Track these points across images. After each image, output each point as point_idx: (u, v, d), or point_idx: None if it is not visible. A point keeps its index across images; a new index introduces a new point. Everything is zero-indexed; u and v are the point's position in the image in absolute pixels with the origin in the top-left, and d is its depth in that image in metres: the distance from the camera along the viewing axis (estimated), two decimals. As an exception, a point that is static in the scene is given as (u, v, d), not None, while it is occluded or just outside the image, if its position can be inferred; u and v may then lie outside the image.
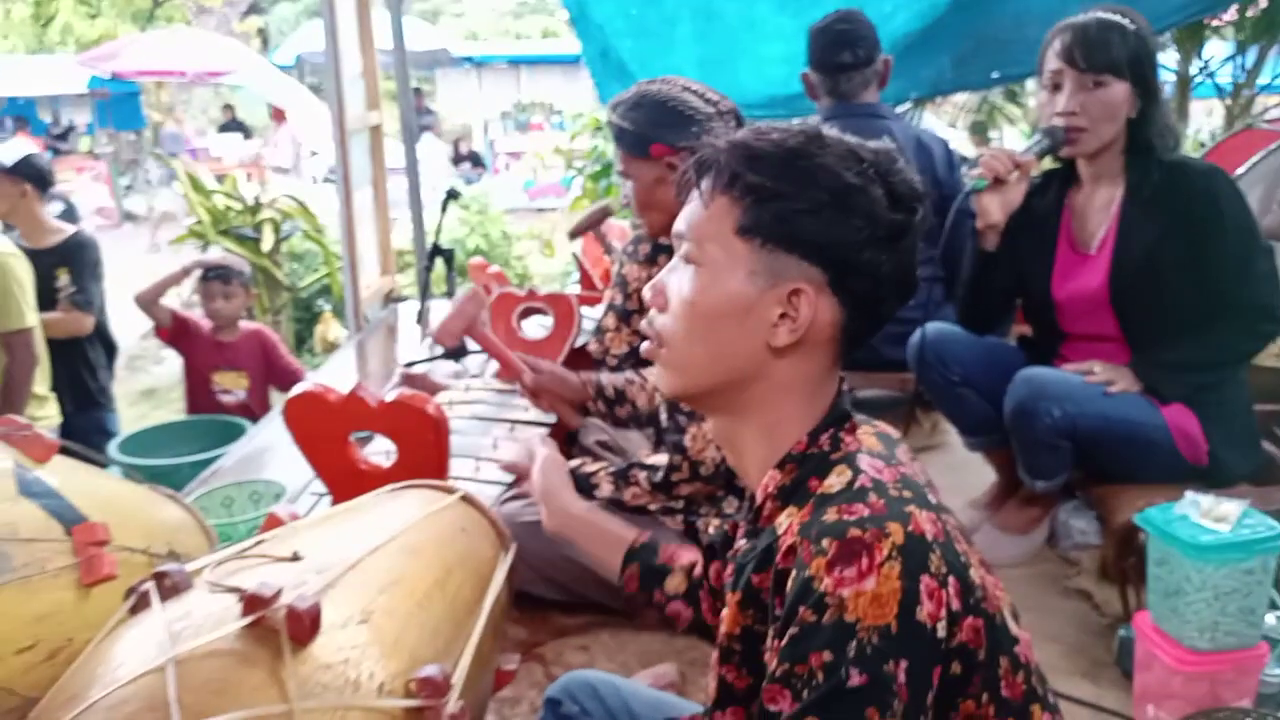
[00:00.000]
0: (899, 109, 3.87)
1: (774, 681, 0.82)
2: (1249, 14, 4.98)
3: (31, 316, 2.99)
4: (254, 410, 3.67)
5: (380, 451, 1.83)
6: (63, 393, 3.24)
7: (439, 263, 3.11)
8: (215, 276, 3.71)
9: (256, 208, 6.13)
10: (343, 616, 0.92)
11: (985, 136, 8.45)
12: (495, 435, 2.10)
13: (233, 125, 15.20)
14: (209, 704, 0.80)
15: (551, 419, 2.18)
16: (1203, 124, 7.97)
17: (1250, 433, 1.96)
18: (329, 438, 1.58)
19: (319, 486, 1.86)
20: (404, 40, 4.62)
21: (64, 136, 15.29)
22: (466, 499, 1.29)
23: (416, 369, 2.80)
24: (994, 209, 1.97)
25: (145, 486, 1.48)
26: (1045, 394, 1.88)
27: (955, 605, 0.82)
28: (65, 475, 1.30)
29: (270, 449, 2.77)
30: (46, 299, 3.19)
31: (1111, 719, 1.63)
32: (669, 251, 1.15)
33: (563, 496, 1.34)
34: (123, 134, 14.99)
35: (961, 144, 7.67)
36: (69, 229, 3.49)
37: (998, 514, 2.19)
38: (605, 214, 3.09)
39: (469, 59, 17.11)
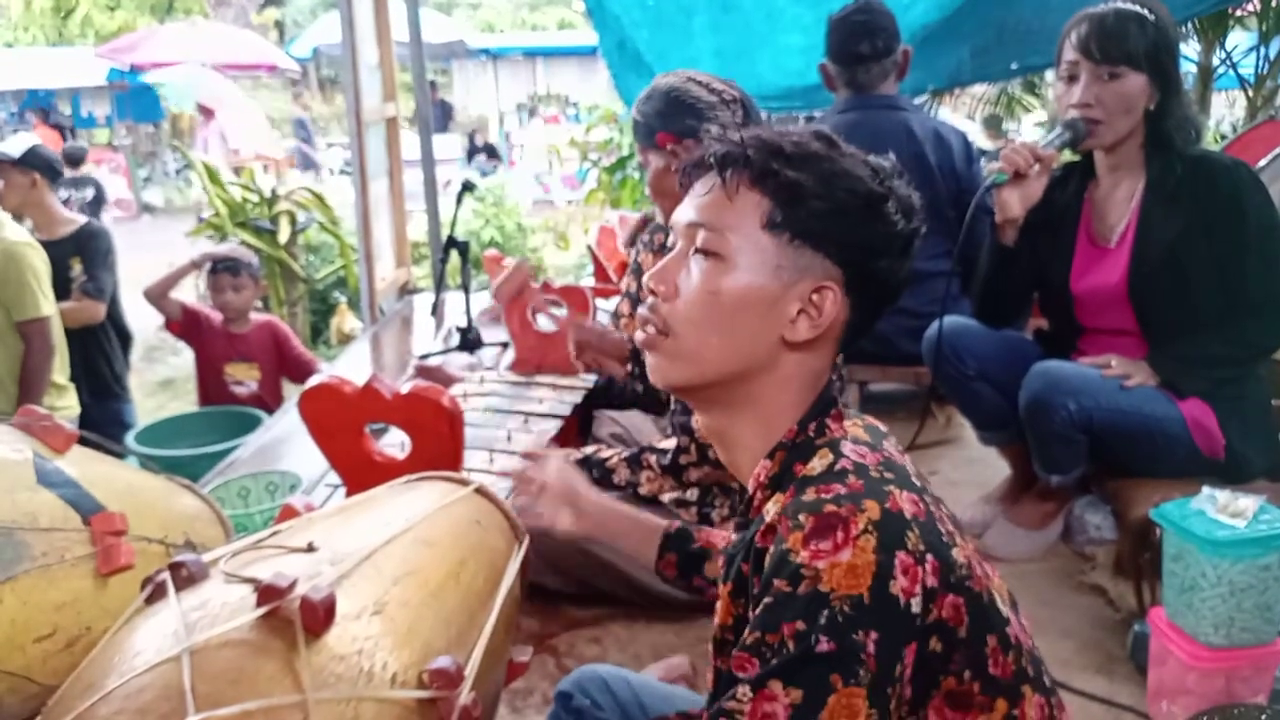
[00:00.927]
0: (916, 100, 3.85)
1: (744, 650, 0.83)
2: (1273, 3, 4.91)
3: (48, 306, 3.02)
4: (267, 401, 3.69)
5: (395, 443, 1.84)
6: (79, 382, 3.27)
7: (454, 255, 3.12)
8: (224, 269, 3.71)
9: (273, 199, 6.15)
10: (357, 607, 0.92)
11: (1000, 130, 8.38)
12: (509, 427, 2.11)
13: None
14: (224, 693, 0.80)
15: (565, 411, 2.19)
16: (1224, 115, 7.89)
17: (1268, 428, 1.94)
18: (344, 429, 1.59)
19: (334, 478, 1.87)
20: (420, 32, 4.63)
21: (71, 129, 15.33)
22: (481, 491, 1.29)
23: (431, 361, 2.81)
24: (1014, 203, 1.95)
25: (162, 477, 1.50)
26: (1061, 387, 1.86)
27: (931, 582, 0.83)
28: (84, 465, 1.31)
29: (286, 440, 2.79)
30: (61, 289, 3.21)
31: (1126, 715, 1.62)
32: None
33: (590, 497, 1.37)
34: (141, 126, 15.05)
35: (976, 137, 7.61)
36: (80, 219, 3.51)
37: (1012, 509, 2.18)
38: (524, 278, 2.82)
39: (485, 50, 17.10)
